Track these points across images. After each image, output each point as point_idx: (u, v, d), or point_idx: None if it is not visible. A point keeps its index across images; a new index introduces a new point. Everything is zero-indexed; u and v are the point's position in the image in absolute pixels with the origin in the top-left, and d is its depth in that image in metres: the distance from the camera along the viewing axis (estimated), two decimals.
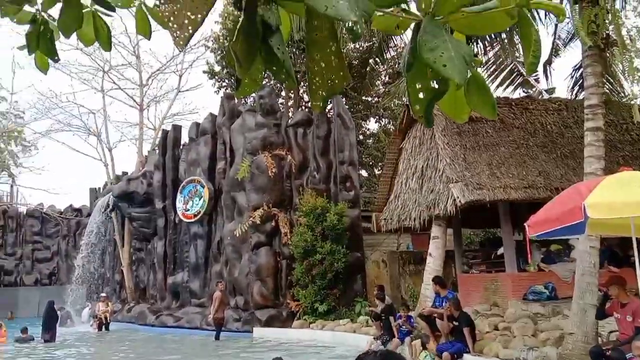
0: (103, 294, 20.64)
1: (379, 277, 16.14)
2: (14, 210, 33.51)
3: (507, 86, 15.16)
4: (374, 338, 10.95)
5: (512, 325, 9.17)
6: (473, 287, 12.30)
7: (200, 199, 18.42)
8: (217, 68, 25.03)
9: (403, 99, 17.11)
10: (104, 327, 18.92)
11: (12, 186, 36.99)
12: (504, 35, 12.32)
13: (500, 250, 12.03)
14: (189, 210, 18.76)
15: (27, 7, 2.19)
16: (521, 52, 12.45)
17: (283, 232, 15.48)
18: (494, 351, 8.33)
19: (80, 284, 23.62)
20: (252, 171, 15.88)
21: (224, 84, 25.35)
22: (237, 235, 15.69)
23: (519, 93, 15.53)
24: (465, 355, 8.58)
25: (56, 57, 2.38)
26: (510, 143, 11.83)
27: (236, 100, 19.00)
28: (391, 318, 10.67)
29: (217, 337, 14.40)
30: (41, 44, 2.30)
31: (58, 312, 17.80)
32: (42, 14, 2.25)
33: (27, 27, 2.27)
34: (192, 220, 18.58)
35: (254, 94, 16.83)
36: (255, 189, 15.93)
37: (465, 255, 14.20)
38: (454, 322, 9.00)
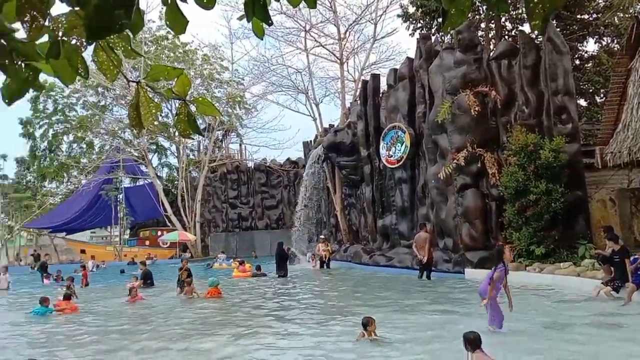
0: (322, 236, 22.81)
1: (605, 218, 14.48)
2: (244, 166, 39.30)
3: None
4: (603, 283, 9.99)
5: None
6: None
7: (402, 145, 18.68)
8: (411, 9, 24.45)
9: (630, 10, 14.51)
10: (325, 265, 20.96)
11: (240, 145, 43.11)
12: None
13: None
14: (392, 156, 19.22)
15: None
16: None
17: (491, 173, 14.80)
18: None
19: (302, 227, 26.58)
20: (453, 112, 15.39)
21: (418, 24, 24.72)
22: (442, 178, 15.56)
23: None
24: None
25: (270, 21, 2.64)
26: None
27: (432, 40, 18.40)
28: (626, 261, 9.57)
29: (428, 277, 14.86)
30: (256, 10, 2.56)
31: (286, 252, 20.45)
32: None
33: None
34: (396, 165, 19.01)
35: (450, 31, 16.03)
36: (457, 130, 15.46)
37: None
38: None
